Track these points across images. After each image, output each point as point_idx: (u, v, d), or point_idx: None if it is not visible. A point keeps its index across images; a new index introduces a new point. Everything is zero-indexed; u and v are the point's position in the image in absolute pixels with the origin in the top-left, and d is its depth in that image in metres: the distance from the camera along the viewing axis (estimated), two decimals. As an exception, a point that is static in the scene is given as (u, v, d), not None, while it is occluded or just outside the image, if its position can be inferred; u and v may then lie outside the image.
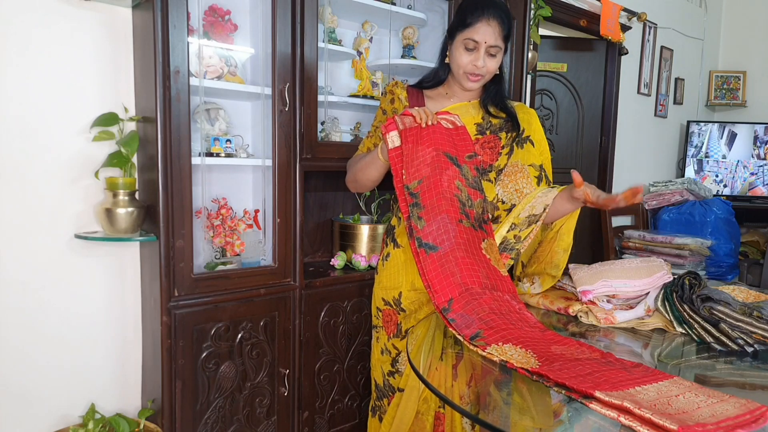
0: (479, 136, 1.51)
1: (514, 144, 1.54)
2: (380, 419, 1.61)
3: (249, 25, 1.94)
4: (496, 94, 1.53)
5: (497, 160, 1.52)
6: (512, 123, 1.52)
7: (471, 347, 1.13)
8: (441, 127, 1.42)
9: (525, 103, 2.72)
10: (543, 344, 1.11)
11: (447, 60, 1.51)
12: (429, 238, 1.34)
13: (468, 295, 1.27)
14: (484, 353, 1.09)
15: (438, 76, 1.57)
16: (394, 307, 1.54)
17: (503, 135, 1.52)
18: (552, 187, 1.51)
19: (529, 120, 1.56)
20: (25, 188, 1.65)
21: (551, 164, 1.58)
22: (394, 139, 1.40)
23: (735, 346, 1.15)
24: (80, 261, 1.76)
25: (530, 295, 1.53)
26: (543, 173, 1.54)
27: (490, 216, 1.49)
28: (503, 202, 1.52)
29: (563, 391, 0.90)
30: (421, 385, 1.40)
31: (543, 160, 1.55)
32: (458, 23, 1.45)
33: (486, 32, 1.40)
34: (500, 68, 1.52)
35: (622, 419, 0.79)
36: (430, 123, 1.39)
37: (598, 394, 0.84)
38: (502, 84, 1.55)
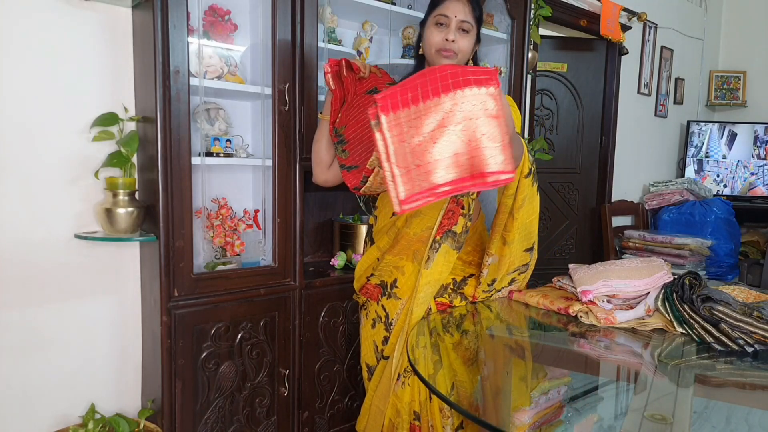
0: None
1: None
2: None
3: (249, 25, 1.94)
4: None
5: None
6: None
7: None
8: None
9: (525, 103, 2.71)
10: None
11: (421, 51, 1.52)
12: (350, 162, 1.39)
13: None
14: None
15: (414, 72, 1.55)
16: (368, 280, 1.58)
17: None
18: None
19: (514, 111, 1.57)
20: (25, 188, 1.65)
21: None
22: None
23: (735, 346, 1.15)
24: (80, 261, 1.76)
25: (529, 295, 1.53)
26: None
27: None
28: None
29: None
30: (393, 380, 1.44)
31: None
32: (429, 8, 1.48)
33: (456, 8, 1.43)
34: (475, 62, 1.53)
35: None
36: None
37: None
38: None
